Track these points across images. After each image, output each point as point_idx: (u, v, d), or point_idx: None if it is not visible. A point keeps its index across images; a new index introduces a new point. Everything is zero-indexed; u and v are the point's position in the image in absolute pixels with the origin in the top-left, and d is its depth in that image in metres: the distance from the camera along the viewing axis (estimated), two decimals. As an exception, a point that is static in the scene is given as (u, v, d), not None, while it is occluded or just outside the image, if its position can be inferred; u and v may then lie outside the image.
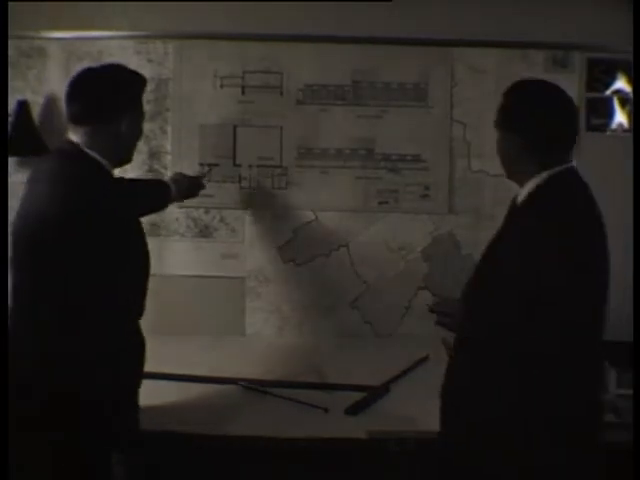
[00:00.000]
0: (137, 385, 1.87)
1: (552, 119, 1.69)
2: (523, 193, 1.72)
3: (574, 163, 1.72)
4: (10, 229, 1.78)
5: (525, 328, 1.57)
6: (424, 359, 2.47)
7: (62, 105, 2.51)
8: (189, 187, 2.44)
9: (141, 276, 1.88)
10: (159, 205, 2.34)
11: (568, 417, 1.60)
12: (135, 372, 1.86)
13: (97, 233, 1.69)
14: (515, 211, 1.75)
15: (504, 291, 1.63)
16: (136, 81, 1.89)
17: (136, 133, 1.91)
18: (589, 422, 1.66)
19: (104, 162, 1.81)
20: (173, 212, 2.67)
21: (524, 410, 1.59)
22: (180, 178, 2.42)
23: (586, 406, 1.64)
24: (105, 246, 1.70)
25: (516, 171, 1.74)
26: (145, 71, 2.58)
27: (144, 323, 1.94)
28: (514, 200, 1.78)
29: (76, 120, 1.80)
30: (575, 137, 1.72)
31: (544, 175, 1.67)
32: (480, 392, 1.66)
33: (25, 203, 1.78)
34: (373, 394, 2.18)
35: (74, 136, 1.80)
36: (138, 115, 1.90)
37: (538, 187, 1.68)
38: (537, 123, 1.68)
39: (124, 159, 1.92)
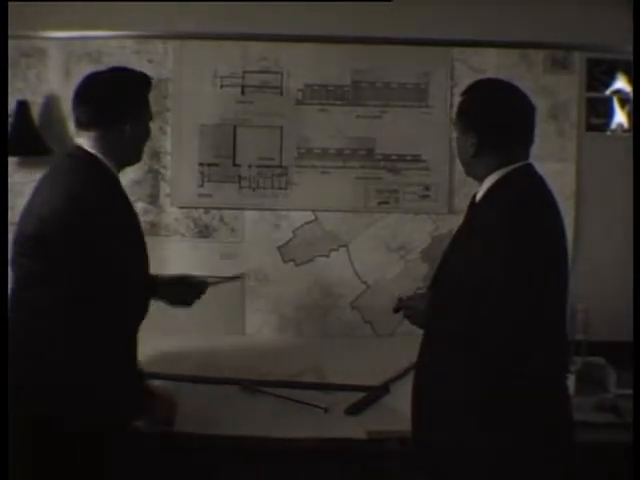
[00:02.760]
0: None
1: (508, 118, 1.71)
2: (481, 190, 1.75)
3: (530, 160, 1.74)
4: (12, 229, 1.78)
5: (483, 322, 1.58)
6: (424, 359, 2.47)
7: (62, 105, 2.57)
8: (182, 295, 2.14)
9: (140, 279, 1.87)
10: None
11: (533, 413, 1.60)
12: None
13: (99, 233, 1.69)
14: (474, 207, 1.79)
15: (463, 285, 1.64)
16: (142, 82, 1.90)
17: (144, 134, 1.92)
18: (557, 419, 1.67)
19: (110, 165, 1.82)
20: (173, 212, 2.67)
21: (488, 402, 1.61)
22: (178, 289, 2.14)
23: (551, 404, 1.65)
24: (105, 247, 1.70)
25: (474, 169, 1.78)
26: (145, 71, 2.60)
27: (144, 322, 1.93)
28: (474, 197, 1.81)
29: (83, 125, 1.81)
30: (532, 136, 1.75)
31: (500, 173, 1.70)
32: (444, 385, 1.68)
33: (30, 205, 1.78)
34: (373, 394, 2.19)
35: (82, 140, 1.81)
36: (145, 116, 1.91)
37: (494, 184, 1.71)
38: (492, 123, 1.71)
39: (132, 160, 1.94)
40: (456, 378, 1.65)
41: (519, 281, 1.56)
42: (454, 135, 2.62)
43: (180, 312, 2.67)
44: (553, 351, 1.66)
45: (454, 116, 1.83)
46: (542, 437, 1.62)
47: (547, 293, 1.60)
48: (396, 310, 1.85)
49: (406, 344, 2.57)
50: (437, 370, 1.72)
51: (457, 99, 2.60)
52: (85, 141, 1.81)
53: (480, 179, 1.76)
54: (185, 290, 2.12)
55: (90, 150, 1.80)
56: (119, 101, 1.82)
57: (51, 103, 2.61)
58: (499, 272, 1.57)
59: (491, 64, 2.63)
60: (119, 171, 1.87)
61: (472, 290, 1.61)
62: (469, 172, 1.81)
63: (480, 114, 1.73)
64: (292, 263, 2.71)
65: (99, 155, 1.80)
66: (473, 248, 1.66)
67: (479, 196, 1.76)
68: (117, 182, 1.86)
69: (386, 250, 2.71)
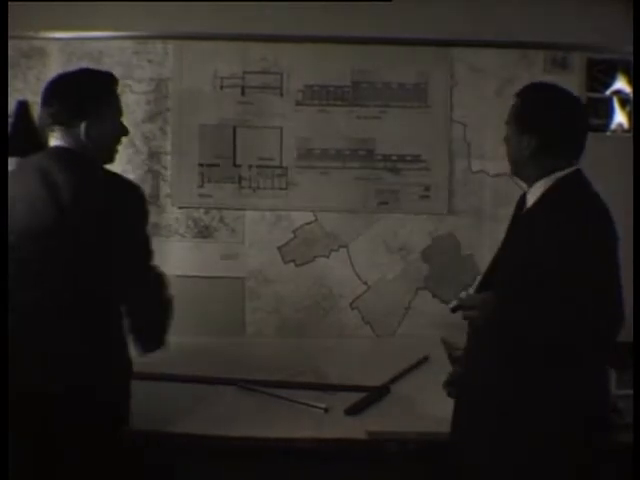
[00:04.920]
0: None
1: (568, 123, 1.74)
2: (534, 194, 1.76)
3: (579, 165, 1.76)
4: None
5: (545, 323, 1.61)
6: (424, 360, 2.47)
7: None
8: None
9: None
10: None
11: (583, 416, 1.65)
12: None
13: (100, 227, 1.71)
14: (528, 212, 1.79)
15: (530, 290, 1.65)
16: (102, 80, 1.87)
17: (110, 132, 1.86)
18: (603, 421, 1.72)
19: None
20: (173, 212, 2.68)
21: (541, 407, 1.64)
22: None
23: (598, 405, 1.70)
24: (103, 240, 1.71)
25: (527, 171, 1.79)
26: (145, 71, 2.61)
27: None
28: (523, 200, 1.82)
29: (48, 125, 1.81)
30: (585, 141, 1.77)
31: (554, 177, 1.73)
32: (502, 390, 1.70)
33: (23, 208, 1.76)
34: (373, 394, 2.18)
35: (54, 140, 1.81)
36: (109, 114, 1.85)
37: (550, 189, 1.73)
38: (555, 126, 1.72)
39: (103, 160, 1.87)
40: (518, 379, 1.67)
41: (581, 287, 1.59)
42: (454, 135, 2.67)
43: (180, 312, 2.67)
44: (603, 364, 1.74)
45: (509, 116, 1.81)
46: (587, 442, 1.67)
47: (612, 295, 1.64)
48: (454, 310, 1.77)
49: (406, 344, 2.60)
50: (495, 373, 1.71)
51: (457, 99, 2.66)
52: (54, 141, 1.81)
53: (530, 181, 1.78)
54: None
55: (67, 146, 1.79)
56: (73, 98, 1.80)
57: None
58: (560, 278, 1.60)
59: (491, 64, 2.63)
60: None
61: (540, 294, 1.63)
62: (519, 173, 1.82)
63: (543, 118, 1.73)
64: (292, 263, 2.71)
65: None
66: (532, 254, 1.67)
67: (532, 200, 1.77)
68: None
69: (386, 250, 2.71)
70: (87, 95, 1.82)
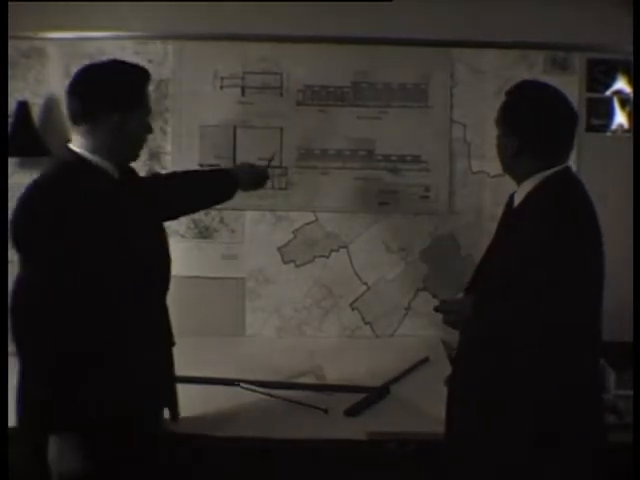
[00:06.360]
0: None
1: (552, 122, 1.73)
2: (520, 194, 1.76)
3: (570, 163, 1.76)
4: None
5: (525, 324, 1.61)
6: (424, 360, 2.47)
7: (62, 106, 2.56)
8: (256, 177, 2.34)
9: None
10: (222, 196, 2.25)
11: (571, 414, 1.63)
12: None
13: (90, 234, 1.66)
14: (513, 212, 1.79)
15: (506, 289, 1.66)
16: (135, 75, 1.80)
17: (138, 129, 1.81)
18: (593, 421, 1.70)
19: (103, 163, 1.75)
20: (173, 213, 2.67)
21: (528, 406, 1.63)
22: (247, 169, 2.33)
23: (588, 404, 1.69)
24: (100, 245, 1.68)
25: (513, 170, 1.79)
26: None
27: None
28: (510, 200, 1.82)
29: (73, 120, 1.75)
30: (573, 140, 1.77)
31: (540, 176, 1.72)
32: (484, 389, 1.69)
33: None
34: (373, 395, 2.18)
35: (74, 138, 1.76)
36: (140, 111, 1.80)
37: (535, 188, 1.72)
38: (537, 126, 1.72)
39: (128, 158, 1.84)
40: (497, 378, 1.67)
41: (559, 287, 1.60)
42: (454, 135, 2.67)
43: (180, 313, 2.68)
44: (589, 363, 1.71)
45: (497, 114, 1.81)
46: (574, 438, 1.65)
47: (588, 295, 1.65)
48: (436, 310, 1.82)
49: (406, 345, 2.60)
50: (477, 371, 1.72)
51: (457, 99, 2.66)
52: (76, 138, 1.75)
53: (518, 180, 1.78)
54: (257, 171, 2.35)
55: (76, 149, 1.74)
56: (106, 91, 1.73)
57: (51, 104, 2.61)
58: (540, 278, 1.60)
59: (491, 64, 2.63)
60: (117, 168, 1.79)
61: (513, 294, 1.63)
62: (507, 171, 1.82)
63: (524, 116, 1.73)
64: (292, 264, 2.71)
65: (86, 153, 1.73)
66: (514, 254, 1.67)
67: (518, 200, 1.77)
68: (104, 177, 1.76)
69: (386, 251, 2.71)
70: (121, 86, 1.75)
